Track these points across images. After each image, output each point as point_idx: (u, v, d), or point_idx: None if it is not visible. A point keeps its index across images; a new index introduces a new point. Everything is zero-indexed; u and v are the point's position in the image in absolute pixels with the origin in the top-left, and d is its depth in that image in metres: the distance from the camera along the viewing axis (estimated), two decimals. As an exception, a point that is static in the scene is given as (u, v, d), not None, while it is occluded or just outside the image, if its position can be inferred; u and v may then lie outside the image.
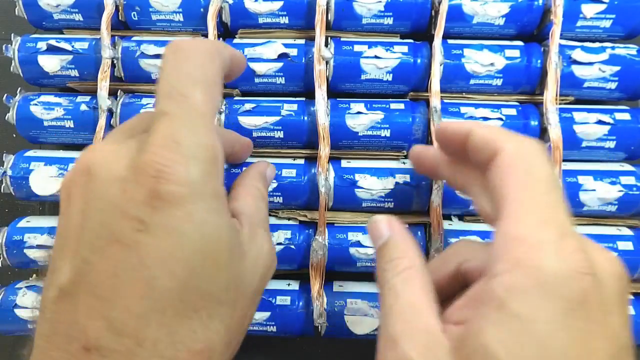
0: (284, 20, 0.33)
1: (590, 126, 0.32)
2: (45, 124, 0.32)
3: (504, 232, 0.17)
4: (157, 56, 0.32)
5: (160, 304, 0.16)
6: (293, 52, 0.32)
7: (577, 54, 0.32)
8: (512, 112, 0.32)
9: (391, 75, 0.32)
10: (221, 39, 0.33)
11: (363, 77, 0.32)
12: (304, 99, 0.33)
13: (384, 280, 0.20)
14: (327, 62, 0.32)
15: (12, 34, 0.33)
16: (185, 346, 0.16)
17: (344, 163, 0.32)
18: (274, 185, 0.31)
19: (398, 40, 0.33)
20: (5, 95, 0.33)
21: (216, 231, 0.17)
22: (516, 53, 0.32)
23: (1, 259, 0.32)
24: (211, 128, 0.18)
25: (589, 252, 0.17)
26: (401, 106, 0.32)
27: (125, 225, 0.16)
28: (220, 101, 0.20)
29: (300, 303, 0.32)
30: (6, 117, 0.32)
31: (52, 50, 0.32)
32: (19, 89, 0.33)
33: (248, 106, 0.32)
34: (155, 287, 0.16)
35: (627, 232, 0.32)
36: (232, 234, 0.18)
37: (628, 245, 0.31)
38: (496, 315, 0.16)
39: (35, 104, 0.32)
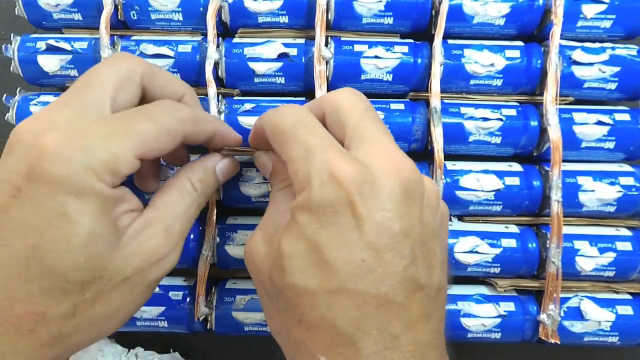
0: (284, 19, 0.33)
1: (590, 127, 0.32)
2: (45, 123, 0.32)
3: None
4: (157, 56, 0.32)
5: (7, 262, 0.19)
6: (293, 51, 0.32)
7: (577, 55, 0.32)
8: (512, 112, 0.32)
9: (391, 75, 0.32)
10: (220, 38, 0.33)
11: (363, 77, 0.32)
12: (304, 99, 0.33)
13: (271, 193, 0.25)
14: (327, 62, 0.32)
15: (12, 34, 0.33)
16: (21, 305, 0.19)
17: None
18: (274, 185, 0.31)
19: (398, 40, 0.33)
20: (5, 95, 0.33)
21: (76, 216, 0.19)
22: (516, 53, 0.32)
23: None
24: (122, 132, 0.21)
25: (359, 159, 0.20)
26: (401, 106, 0.32)
27: (5, 187, 0.19)
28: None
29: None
30: (6, 117, 0.32)
31: (51, 50, 0.32)
32: (19, 89, 0.33)
33: (248, 106, 0.32)
34: (5, 247, 0.19)
35: (626, 232, 0.32)
36: (101, 225, 0.20)
37: (627, 246, 0.31)
38: (289, 223, 0.21)
39: (35, 104, 0.32)
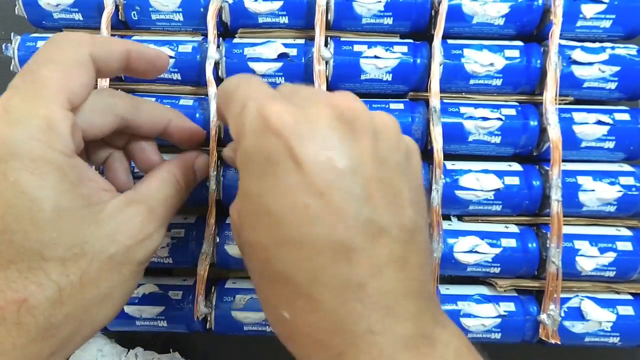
0: (284, 20, 0.33)
1: (590, 126, 0.32)
2: (45, 123, 0.32)
3: None
4: (157, 56, 0.32)
5: None
6: (293, 52, 0.32)
7: (577, 54, 0.32)
8: (512, 112, 0.32)
9: (391, 75, 0.32)
10: (220, 38, 0.33)
11: (363, 77, 0.32)
12: (303, 98, 0.33)
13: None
14: (326, 62, 0.32)
15: (12, 33, 0.33)
16: (1, 296, 0.18)
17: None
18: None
19: (398, 40, 0.33)
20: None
21: (34, 191, 0.19)
22: (516, 53, 0.32)
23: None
24: (54, 100, 0.20)
25: (290, 99, 0.19)
26: (401, 106, 0.32)
27: None
28: (88, 82, 0.22)
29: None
30: None
31: (52, 49, 0.32)
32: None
33: (248, 106, 0.32)
34: None
35: (626, 232, 0.32)
36: (66, 199, 0.19)
37: (627, 246, 0.31)
38: (239, 188, 0.20)
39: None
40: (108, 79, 0.32)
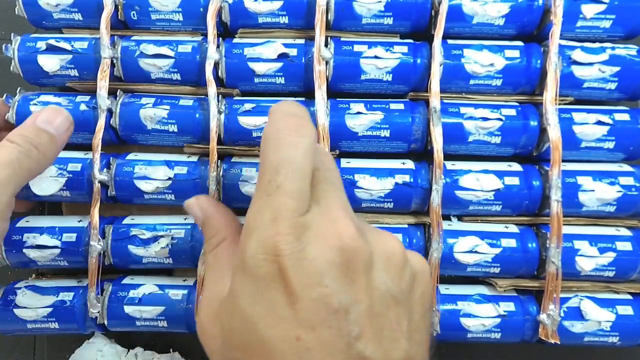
0: (284, 20, 0.33)
1: (590, 127, 0.32)
2: (45, 123, 0.32)
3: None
4: (157, 56, 0.32)
5: None
6: (293, 52, 0.32)
7: (577, 55, 0.32)
8: (512, 112, 0.32)
9: (391, 75, 0.32)
10: (220, 38, 0.33)
11: (363, 77, 0.32)
12: (303, 99, 0.33)
13: (204, 255, 0.24)
14: (327, 62, 0.32)
15: (12, 34, 0.33)
16: None
17: (344, 163, 0.32)
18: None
19: (398, 40, 0.33)
20: (5, 95, 0.33)
21: None
22: (516, 53, 0.32)
23: (0, 258, 0.32)
24: None
25: (299, 234, 0.19)
26: (401, 106, 0.32)
27: None
28: None
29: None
30: (6, 117, 0.32)
31: (51, 49, 0.32)
32: (19, 88, 0.33)
33: (248, 106, 0.32)
34: None
35: (626, 232, 0.32)
36: None
37: (627, 246, 0.31)
38: (228, 291, 0.20)
39: (35, 104, 0.32)
40: (107, 79, 0.32)
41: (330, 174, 0.22)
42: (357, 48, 0.32)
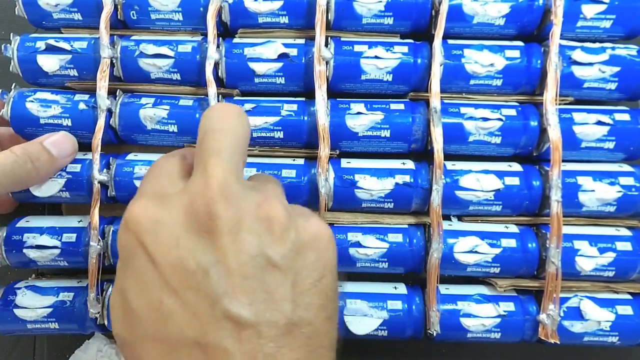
0: (284, 20, 0.33)
1: (590, 127, 0.32)
2: (42, 121, 0.32)
3: None
4: (157, 56, 0.32)
5: None
6: (293, 52, 0.32)
7: (577, 55, 0.32)
8: (512, 112, 0.32)
9: (391, 75, 0.32)
10: (220, 38, 0.33)
11: (363, 77, 0.32)
12: (303, 99, 0.33)
13: None
14: (327, 62, 0.32)
15: (12, 34, 0.33)
16: None
17: (344, 163, 0.32)
18: (274, 185, 0.31)
19: (398, 40, 0.33)
20: (1, 91, 0.33)
21: None
22: (516, 53, 0.32)
23: (0, 258, 0.32)
24: None
25: (159, 203, 0.20)
26: (401, 106, 0.32)
27: None
28: None
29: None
30: (0, 113, 0.32)
31: (51, 49, 0.32)
32: (14, 84, 0.33)
33: (248, 106, 0.32)
34: None
35: (626, 232, 0.32)
36: None
37: (627, 246, 0.31)
38: None
39: (31, 101, 0.32)
40: (107, 79, 0.32)
41: (203, 132, 0.22)
42: (357, 48, 0.32)
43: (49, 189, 0.32)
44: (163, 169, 0.22)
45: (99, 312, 0.31)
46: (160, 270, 0.18)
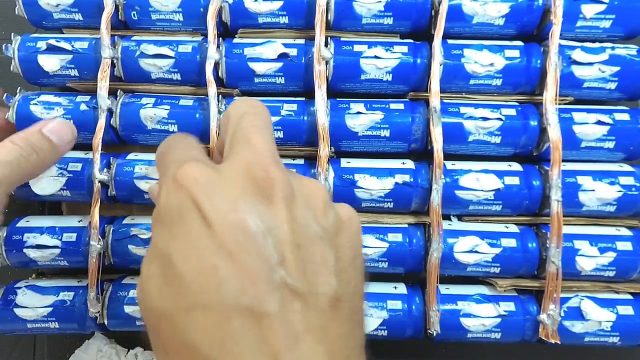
0: (284, 20, 0.33)
1: (590, 126, 0.32)
2: (45, 123, 0.32)
3: None
4: (157, 56, 0.32)
5: None
6: (293, 52, 0.32)
7: (577, 54, 0.32)
8: (512, 112, 0.32)
9: (391, 75, 0.32)
10: (220, 38, 0.33)
11: (363, 77, 0.32)
12: (303, 99, 0.33)
13: None
14: (327, 62, 0.32)
15: (12, 34, 0.33)
16: None
17: (344, 163, 0.32)
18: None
19: (398, 40, 0.33)
20: (5, 94, 0.33)
21: None
22: (516, 53, 0.32)
23: (1, 258, 0.32)
24: None
25: (211, 165, 0.19)
26: (401, 106, 0.32)
27: None
28: None
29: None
30: (6, 117, 0.32)
31: (52, 49, 0.32)
32: (19, 88, 0.33)
33: (248, 106, 0.32)
34: None
35: (626, 232, 0.32)
36: None
37: (627, 246, 0.31)
38: (150, 243, 0.20)
39: (35, 104, 0.32)
40: (108, 79, 0.32)
41: (239, 115, 0.21)
42: (357, 48, 0.32)
43: (50, 187, 0.32)
44: (190, 141, 0.22)
45: (99, 312, 0.31)
46: (216, 233, 0.17)
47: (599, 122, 0.32)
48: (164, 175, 0.20)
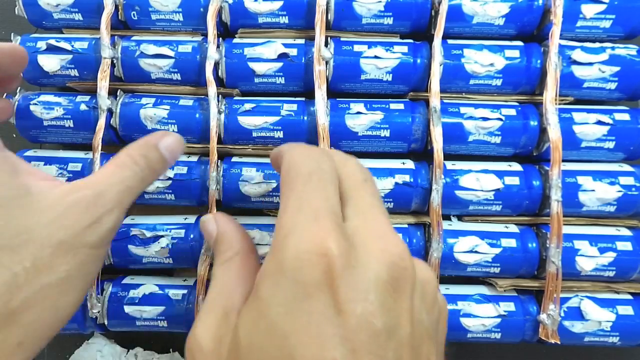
0: (284, 20, 0.33)
1: (590, 126, 0.32)
2: (45, 123, 0.32)
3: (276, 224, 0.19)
4: (157, 56, 0.32)
5: None
6: (293, 52, 0.32)
7: (577, 54, 0.32)
8: (512, 112, 0.32)
9: (391, 75, 0.32)
10: (220, 38, 0.33)
11: (363, 77, 0.32)
12: (303, 99, 0.33)
13: (213, 270, 0.22)
14: (327, 62, 0.32)
15: (12, 34, 0.33)
16: None
17: (344, 163, 0.32)
18: (274, 185, 0.31)
19: (398, 40, 0.33)
20: (5, 94, 0.33)
21: None
22: (516, 53, 0.32)
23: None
24: None
25: (347, 235, 0.17)
26: (401, 106, 0.32)
27: None
28: None
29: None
30: (9, 118, 0.32)
31: (51, 49, 0.32)
32: (19, 88, 0.33)
33: (248, 106, 0.32)
34: None
35: (626, 232, 0.32)
36: (5, 189, 0.20)
37: (627, 246, 0.31)
38: (251, 299, 0.17)
39: (35, 104, 0.32)
40: (107, 79, 0.32)
41: (362, 179, 0.21)
42: (357, 48, 0.32)
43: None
44: (329, 182, 0.20)
45: (99, 312, 0.31)
46: (346, 324, 0.15)
47: (599, 122, 0.32)
48: (295, 219, 0.18)
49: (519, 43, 0.33)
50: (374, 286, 0.16)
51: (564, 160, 0.31)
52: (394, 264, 0.17)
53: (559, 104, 0.31)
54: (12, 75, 0.27)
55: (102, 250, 0.23)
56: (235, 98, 0.33)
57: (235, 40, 0.33)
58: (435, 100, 0.31)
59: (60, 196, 0.22)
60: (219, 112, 0.32)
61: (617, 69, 0.32)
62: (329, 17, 0.32)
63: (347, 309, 0.16)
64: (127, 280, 0.33)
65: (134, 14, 0.33)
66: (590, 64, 0.32)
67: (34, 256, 0.20)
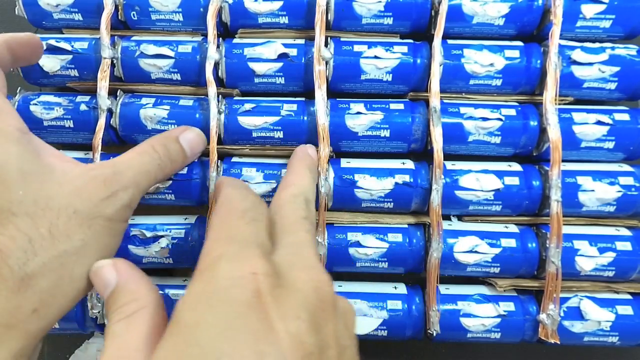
0: (284, 20, 0.33)
1: (590, 126, 0.32)
2: (45, 123, 0.32)
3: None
4: (157, 56, 0.32)
5: None
6: (293, 52, 0.32)
7: (577, 55, 0.32)
8: (512, 112, 0.32)
9: (391, 75, 0.32)
10: (220, 38, 0.33)
11: (363, 77, 0.32)
12: (303, 99, 0.33)
13: (107, 327, 0.20)
14: (326, 62, 0.32)
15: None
16: None
17: (344, 163, 0.32)
18: (274, 185, 0.31)
19: (398, 40, 0.33)
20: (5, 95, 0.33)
21: (2, 157, 0.21)
22: (516, 53, 0.32)
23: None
24: None
25: (275, 262, 0.19)
26: (401, 106, 0.32)
27: None
28: None
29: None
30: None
31: (51, 50, 0.32)
32: (19, 88, 0.33)
33: (248, 106, 0.32)
34: None
35: (626, 232, 0.32)
36: (30, 165, 0.22)
37: (626, 246, 0.31)
38: (171, 330, 0.17)
39: (35, 104, 0.32)
40: (107, 79, 0.32)
41: (301, 217, 0.23)
42: (357, 48, 0.32)
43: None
44: (260, 222, 0.21)
45: (99, 312, 0.32)
46: (280, 341, 0.16)
47: (599, 122, 0.32)
48: (226, 243, 0.20)
49: (519, 43, 0.33)
50: (303, 306, 0.17)
51: (563, 161, 0.31)
52: (320, 289, 0.18)
53: (559, 104, 0.31)
54: (29, 64, 0.28)
55: (118, 225, 0.23)
56: (235, 98, 0.33)
57: (235, 41, 0.33)
58: (435, 101, 0.31)
59: (80, 173, 0.23)
60: (219, 112, 0.32)
61: (617, 69, 0.32)
62: (329, 17, 0.32)
63: (279, 327, 0.16)
64: (127, 280, 0.33)
65: (134, 14, 0.33)
66: (590, 64, 0.32)
67: (51, 223, 0.21)
